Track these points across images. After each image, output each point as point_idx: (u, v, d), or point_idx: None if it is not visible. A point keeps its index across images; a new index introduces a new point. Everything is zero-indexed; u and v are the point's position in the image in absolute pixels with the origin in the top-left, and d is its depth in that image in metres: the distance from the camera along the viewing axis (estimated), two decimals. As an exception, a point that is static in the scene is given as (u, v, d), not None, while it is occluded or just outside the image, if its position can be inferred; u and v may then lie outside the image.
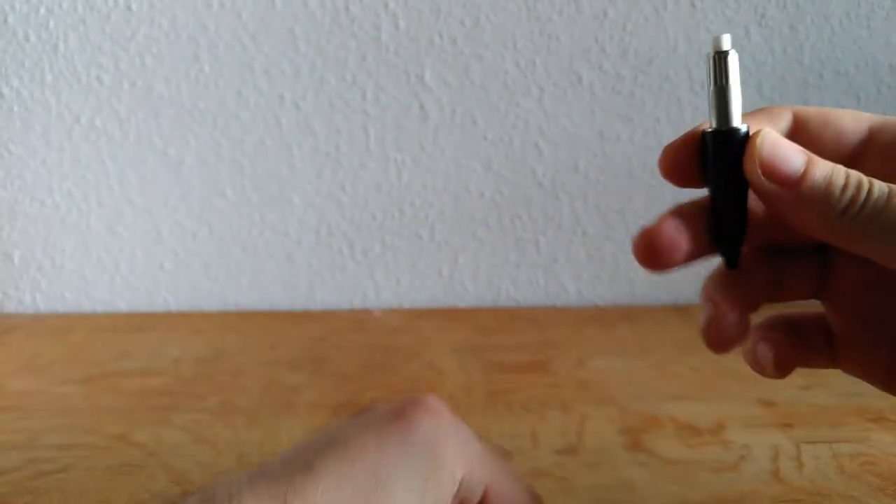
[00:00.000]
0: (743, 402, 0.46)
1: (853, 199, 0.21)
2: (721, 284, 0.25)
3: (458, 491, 0.24)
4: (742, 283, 0.25)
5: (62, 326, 0.61)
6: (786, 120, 0.25)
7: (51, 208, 0.63)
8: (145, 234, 0.64)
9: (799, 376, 0.49)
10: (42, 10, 0.58)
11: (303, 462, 0.22)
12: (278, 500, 0.20)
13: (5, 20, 0.58)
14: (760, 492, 0.37)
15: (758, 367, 0.27)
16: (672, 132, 0.63)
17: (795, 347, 0.27)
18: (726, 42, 0.22)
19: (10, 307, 0.66)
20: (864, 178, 0.21)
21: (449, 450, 0.24)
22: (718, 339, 0.25)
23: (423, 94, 0.61)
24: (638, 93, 0.61)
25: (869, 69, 0.60)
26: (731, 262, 0.25)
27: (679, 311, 0.64)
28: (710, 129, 0.23)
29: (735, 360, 0.52)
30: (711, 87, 0.22)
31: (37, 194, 0.62)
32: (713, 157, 0.23)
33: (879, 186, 0.21)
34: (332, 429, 0.25)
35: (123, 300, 0.66)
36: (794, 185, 0.21)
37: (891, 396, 0.46)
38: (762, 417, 0.44)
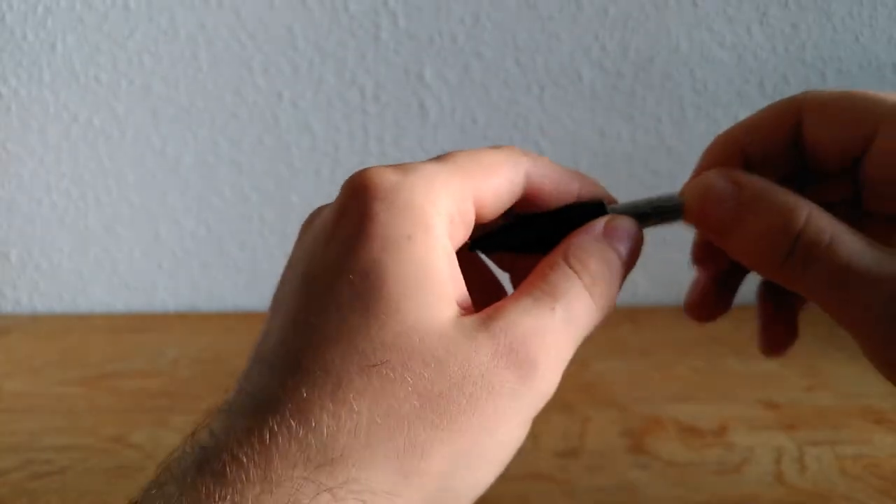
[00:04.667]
0: (745, 403, 0.46)
1: (795, 244, 0.20)
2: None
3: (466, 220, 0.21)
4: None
5: (59, 327, 0.61)
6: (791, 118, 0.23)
7: (48, 207, 0.63)
8: (143, 233, 0.64)
9: (802, 377, 0.49)
10: (40, 9, 0.58)
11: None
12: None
13: (3, 19, 0.58)
14: (763, 494, 0.37)
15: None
16: (673, 131, 0.63)
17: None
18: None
19: (7, 307, 0.66)
20: (801, 218, 0.20)
21: (402, 215, 0.20)
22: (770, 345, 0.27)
23: (422, 93, 0.60)
24: (639, 91, 0.60)
25: (871, 68, 0.60)
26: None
27: (681, 312, 0.64)
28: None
29: (736, 362, 0.53)
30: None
31: (34, 193, 0.62)
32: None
33: (817, 229, 0.19)
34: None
35: (121, 300, 0.65)
36: (725, 234, 0.22)
37: (894, 398, 0.46)
38: (765, 419, 0.44)
